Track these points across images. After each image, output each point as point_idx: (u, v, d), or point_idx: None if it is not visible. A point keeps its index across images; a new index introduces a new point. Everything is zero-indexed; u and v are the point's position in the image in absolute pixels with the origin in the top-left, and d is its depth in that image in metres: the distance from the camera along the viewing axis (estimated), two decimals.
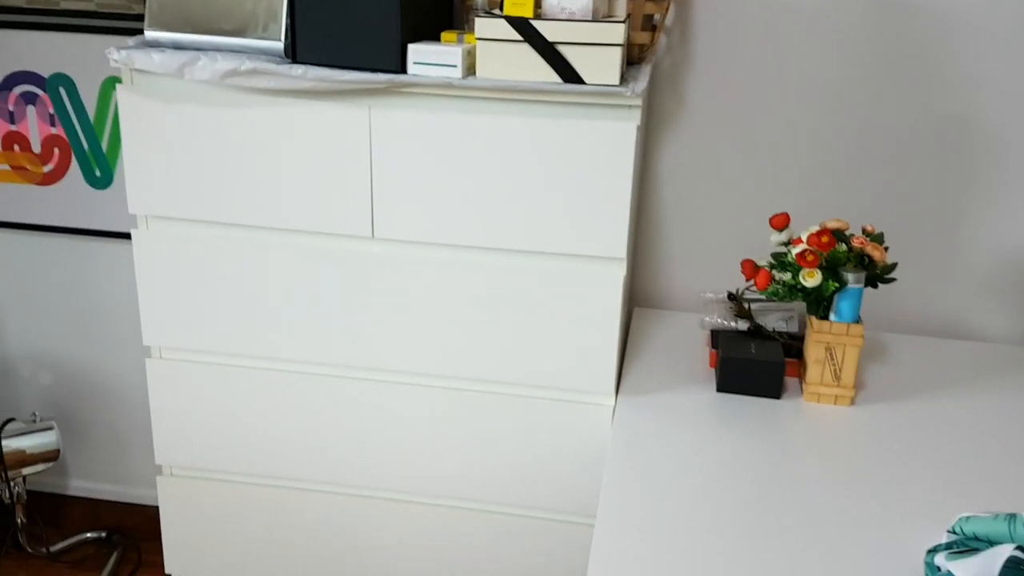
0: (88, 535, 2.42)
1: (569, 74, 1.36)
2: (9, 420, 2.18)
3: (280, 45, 1.43)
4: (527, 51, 1.36)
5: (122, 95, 1.49)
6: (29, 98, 2.08)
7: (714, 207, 1.88)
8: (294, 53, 1.42)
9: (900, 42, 1.72)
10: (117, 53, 1.43)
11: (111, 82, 2.04)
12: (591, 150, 1.40)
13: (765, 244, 1.87)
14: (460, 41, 1.43)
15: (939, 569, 1.07)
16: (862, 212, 1.84)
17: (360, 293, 1.54)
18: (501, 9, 1.44)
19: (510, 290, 1.50)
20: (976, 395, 1.60)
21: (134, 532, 2.43)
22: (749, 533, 1.18)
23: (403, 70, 1.40)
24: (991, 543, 1.05)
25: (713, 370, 1.67)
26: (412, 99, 1.43)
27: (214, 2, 1.44)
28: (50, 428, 2.20)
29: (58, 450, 2.21)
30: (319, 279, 1.54)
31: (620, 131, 1.39)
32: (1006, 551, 0.98)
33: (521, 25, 1.35)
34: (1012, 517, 1.06)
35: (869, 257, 1.52)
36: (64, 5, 1.99)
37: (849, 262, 1.51)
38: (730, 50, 1.77)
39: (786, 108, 1.79)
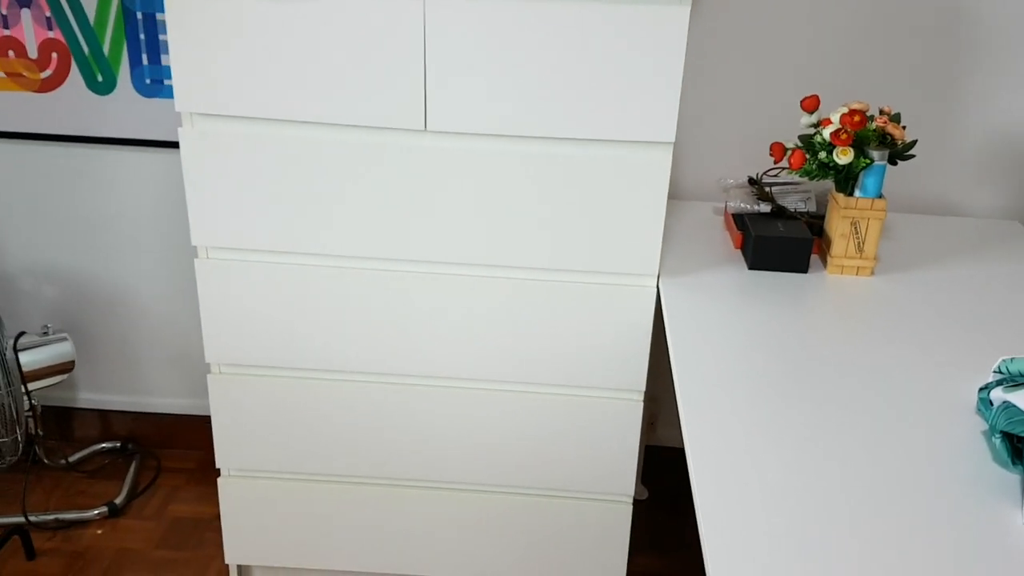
0: (103, 445, 2.44)
1: None
2: (21, 333, 2.16)
3: None
4: None
5: None
6: (23, 0, 2.01)
7: (716, 100, 1.95)
8: None
9: None
10: None
11: None
12: (644, 34, 1.45)
13: (767, 132, 1.96)
14: None
15: (992, 404, 1.20)
16: (864, 96, 1.94)
17: (411, 187, 1.58)
18: None
19: (561, 179, 1.56)
20: (979, 264, 1.75)
21: (146, 441, 2.46)
22: (807, 386, 1.30)
23: None
24: None
25: (738, 251, 1.78)
26: None
27: None
28: (64, 339, 2.20)
29: (73, 361, 2.21)
30: (369, 174, 1.58)
31: (673, 15, 1.44)
32: None
33: None
34: None
35: (891, 136, 1.62)
36: None
37: (874, 141, 1.61)
38: None
39: (796, 2, 1.87)
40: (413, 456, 1.80)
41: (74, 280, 2.29)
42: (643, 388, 1.71)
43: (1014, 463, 1.14)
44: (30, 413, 2.19)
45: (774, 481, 1.09)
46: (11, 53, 2.06)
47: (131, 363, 2.38)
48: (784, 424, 1.20)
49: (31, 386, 2.15)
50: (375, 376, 1.75)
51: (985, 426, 1.23)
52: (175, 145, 2.10)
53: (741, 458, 1.13)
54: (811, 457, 1.14)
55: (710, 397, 1.26)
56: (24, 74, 2.08)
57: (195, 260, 1.67)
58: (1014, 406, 1.14)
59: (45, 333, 2.19)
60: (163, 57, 2.03)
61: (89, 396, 2.42)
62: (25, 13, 2.02)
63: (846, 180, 1.63)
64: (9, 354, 2.09)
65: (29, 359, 2.14)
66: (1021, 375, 1.21)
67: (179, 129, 1.57)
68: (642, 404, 1.73)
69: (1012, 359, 1.23)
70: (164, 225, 2.20)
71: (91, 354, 2.37)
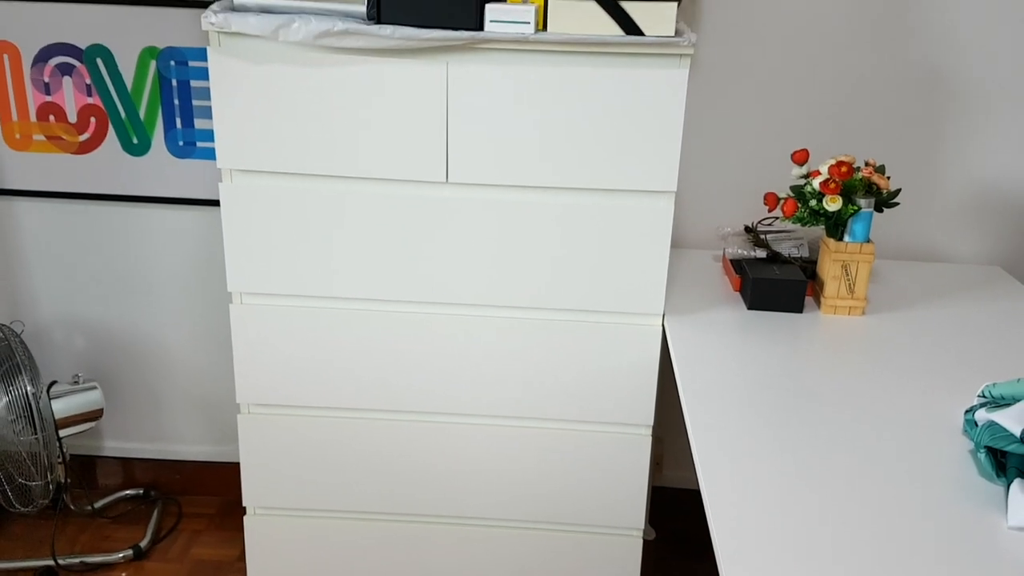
0: (127, 492, 2.52)
1: (631, 27, 1.55)
2: (53, 382, 2.26)
3: (363, 8, 1.58)
4: (593, 8, 1.54)
5: (212, 57, 1.61)
6: (65, 69, 2.16)
7: (713, 153, 2.10)
8: (379, 15, 1.57)
9: (884, 1, 1.97)
10: (214, 17, 1.56)
11: (149, 52, 2.13)
12: (647, 95, 1.60)
13: (759, 184, 2.10)
14: (526, 2, 1.60)
15: (976, 424, 1.31)
16: (850, 151, 2.08)
17: (433, 233, 1.71)
18: None
19: (572, 224, 1.69)
20: (964, 305, 1.87)
21: (169, 488, 2.54)
22: (809, 416, 1.40)
23: (480, 28, 1.56)
24: (1017, 400, 1.30)
25: (737, 293, 1.89)
26: (486, 54, 1.59)
27: None
28: (94, 388, 2.29)
29: (101, 409, 2.30)
30: (394, 223, 1.70)
31: (674, 77, 1.59)
32: None
33: None
34: None
35: (876, 185, 1.76)
36: None
37: (860, 190, 1.74)
38: (733, 6, 1.98)
39: (785, 60, 2.02)
40: (433, 492, 1.89)
41: (104, 331, 2.40)
42: (651, 423, 1.81)
43: (999, 475, 1.24)
44: (60, 460, 2.27)
45: (783, 507, 1.19)
46: (52, 118, 2.20)
47: (155, 411, 2.47)
48: (790, 453, 1.31)
49: (61, 433, 2.24)
50: (398, 414, 1.85)
51: (971, 445, 1.33)
52: (204, 203, 2.23)
53: (749, 484, 1.23)
54: (815, 482, 1.24)
55: (718, 427, 1.36)
56: (63, 137, 2.22)
57: (230, 305, 1.79)
58: (997, 424, 1.25)
59: (76, 382, 2.29)
60: (196, 121, 2.17)
61: (114, 444, 2.51)
62: (67, 81, 2.17)
63: (836, 226, 1.75)
64: (43, 402, 2.18)
65: (60, 407, 2.23)
66: (1003, 398, 1.32)
67: (219, 184, 1.70)
68: (650, 439, 1.83)
69: (995, 384, 1.34)
70: (191, 278, 2.32)
71: (118, 402, 2.46)
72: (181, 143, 2.19)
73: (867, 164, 1.78)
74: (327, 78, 1.62)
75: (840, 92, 2.04)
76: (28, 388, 2.11)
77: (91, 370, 2.43)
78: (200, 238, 2.28)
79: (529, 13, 1.55)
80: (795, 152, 1.79)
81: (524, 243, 1.71)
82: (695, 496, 2.40)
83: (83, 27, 2.11)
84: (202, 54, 2.11)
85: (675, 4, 1.54)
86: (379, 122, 1.64)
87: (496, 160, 1.66)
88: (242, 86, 1.63)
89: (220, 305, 2.34)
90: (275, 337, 1.79)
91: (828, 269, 1.78)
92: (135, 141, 2.21)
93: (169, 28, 2.10)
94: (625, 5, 1.54)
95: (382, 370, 1.81)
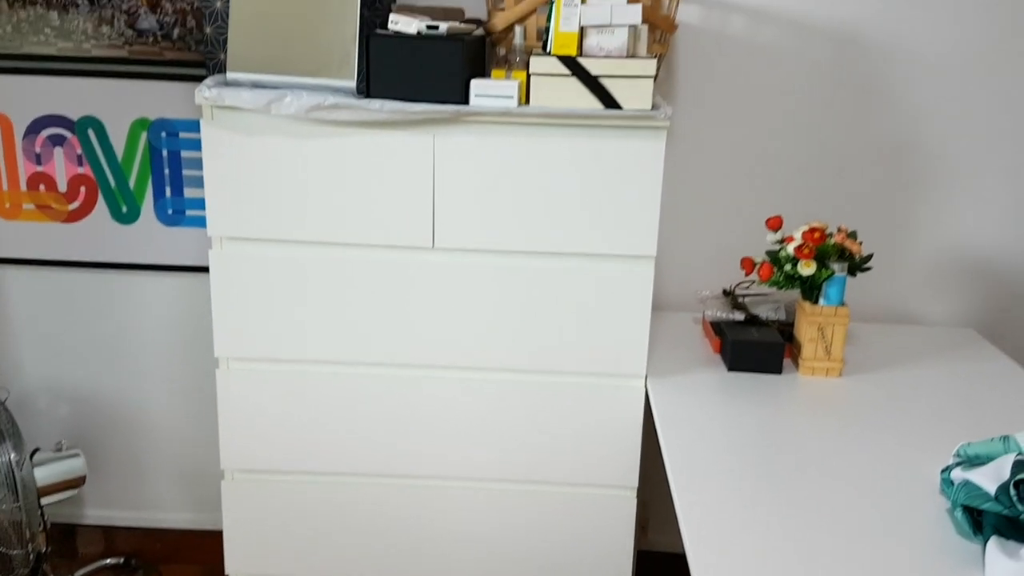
0: (107, 561, 2.49)
1: (609, 101, 1.62)
2: (36, 450, 2.25)
3: (352, 84, 1.64)
4: (574, 83, 1.61)
5: (205, 129, 1.66)
6: (57, 140, 2.20)
7: (691, 220, 2.16)
8: (368, 89, 1.63)
9: (852, 75, 2.06)
10: (208, 91, 1.61)
11: (140, 124, 2.18)
12: (626, 165, 1.66)
13: (736, 248, 2.16)
14: (509, 77, 1.67)
15: (953, 483, 1.34)
16: (825, 217, 2.15)
17: (419, 298, 1.74)
18: (545, 50, 1.68)
19: (556, 288, 1.73)
20: (938, 366, 1.92)
21: (151, 556, 2.51)
22: (785, 475, 1.43)
23: (466, 101, 1.62)
24: (991, 459, 1.33)
25: (718, 355, 1.93)
26: (472, 127, 1.65)
27: (292, 46, 1.63)
28: (76, 455, 2.28)
29: (84, 476, 2.29)
30: (382, 287, 1.74)
31: (651, 148, 1.65)
32: (1011, 457, 1.26)
33: (569, 62, 1.60)
34: (1005, 438, 1.34)
35: (849, 250, 1.82)
36: (96, 52, 2.13)
37: (833, 255, 1.80)
38: (708, 82, 2.07)
39: (758, 130, 2.10)
40: (420, 556, 1.88)
41: (88, 397, 2.40)
42: (636, 484, 1.83)
43: (975, 534, 1.27)
44: (42, 528, 2.25)
45: (767, 570, 1.21)
46: (42, 187, 2.24)
47: (137, 478, 2.46)
48: (773, 515, 1.33)
49: (43, 501, 2.22)
50: (383, 478, 1.86)
51: (948, 504, 1.36)
52: (191, 269, 2.26)
53: (735, 547, 1.25)
54: (798, 543, 1.27)
55: (702, 491, 1.38)
56: (53, 206, 2.25)
57: (216, 370, 1.81)
58: (972, 483, 1.29)
59: (59, 449, 2.28)
60: (186, 190, 2.21)
61: (95, 512, 2.49)
62: (58, 151, 2.21)
63: (811, 290, 1.80)
64: (26, 470, 2.17)
65: (42, 475, 2.22)
66: (978, 457, 1.35)
67: (209, 251, 1.73)
68: (635, 501, 1.84)
69: (969, 444, 1.38)
70: (176, 344, 2.34)
71: (100, 469, 2.45)
72: (170, 211, 2.23)
73: (839, 230, 1.84)
74: (317, 149, 1.67)
75: (812, 160, 2.12)
76: (11, 456, 2.10)
77: (74, 437, 2.43)
78: (186, 305, 2.30)
79: (512, 88, 1.61)
80: (769, 219, 1.85)
81: (509, 307, 1.74)
82: (681, 560, 2.40)
83: (76, 99, 2.16)
84: (192, 125, 2.17)
85: (651, 80, 1.60)
86: (368, 190, 1.69)
87: (481, 226, 1.70)
88: (233, 157, 1.67)
89: (204, 371, 2.35)
90: (261, 402, 1.81)
91: (805, 331, 1.82)
92: (124, 210, 2.24)
93: (160, 100, 2.15)
94: (604, 81, 1.61)
95: (368, 434, 1.82)
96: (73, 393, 2.39)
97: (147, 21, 2.10)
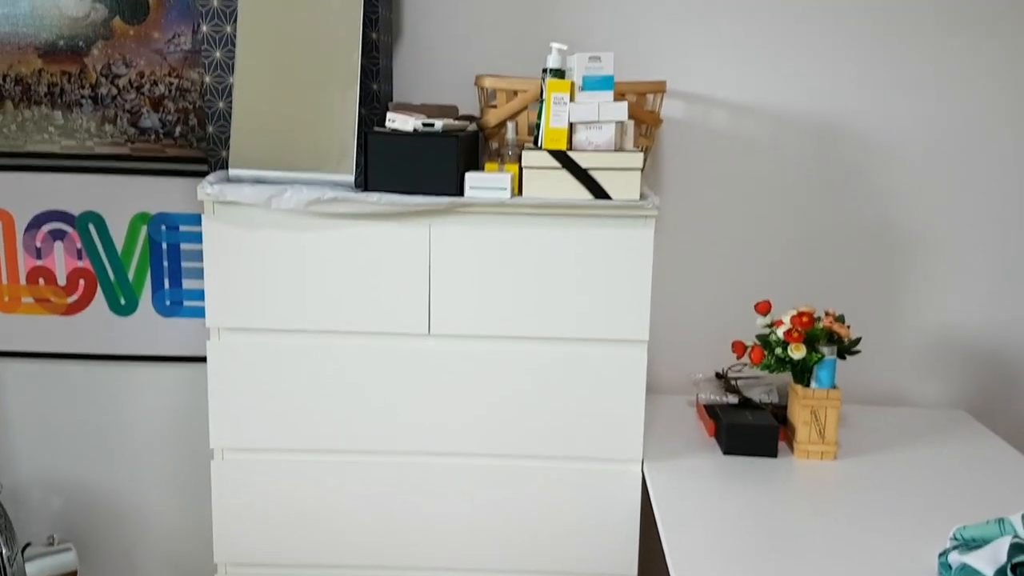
0: None
1: (599, 192, 1.67)
2: (27, 544, 2.22)
3: (351, 178, 1.69)
4: (564, 175, 1.67)
5: (206, 223, 1.70)
6: (57, 235, 2.24)
7: (682, 304, 2.20)
8: (366, 183, 1.68)
9: (833, 162, 2.13)
10: (210, 187, 1.66)
11: (140, 218, 2.23)
12: (617, 252, 1.70)
13: (727, 331, 2.19)
14: (502, 170, 1.73)
15: (951, 567, 1.34)
16: (813, 301, 2.19)
17: (416, 384, 1.76)
18: (536, 144, 1.74)
19: (551, 373, 1.75)
20: (932, 449, 1.93)
21: None
22: (785, 560, 1.43)
23: (461, 193, 1.67)
24: (988, 542, 1.34)
25: (713, 438, 1.94)
26: (466, 217, 1.70)
27: (292, 143, 1.69)
28: (68, 549, 2.26)
29: (75, 571, 2.26)
30: (379, 374, 1.76)
31: (640, 236, 1.70)
32: (1007, 539, 1.26)
33: (560, 156, 1.66)
34: (1001, 520, 1.35)
35: (837, 334, 1.85)
36: (98, 149, 2.19)
37: (822, 338, 1.83)
38: (694, 172, 2.13)
39: (745, 216, 2.16)
40: None
41: (81, 490, 2.38)
42: (635, 572, 1.81)
43: None
44: None
45: None
46: (41, 281, 2.27)
47: (129, 572, 2.42)
48: None
49: None
50: (381, 569, 1.84)
51: None
52: (188, 359, 2.27)
53: None
54: None
55: (700, 573, 1.38)
56: (51, 299, 2.27)
57: (211, 462, 1.80)
58: (970, 566, 1.29)
59: (51, 543, 2.25)
60: (184, 281, 2.24)
61: None
62: (58, 246, 2.25)
63: (802, 373, 1.83)
64: (17, 566, 2.14)
65: (34, 570, 2.19)
66: (975, 540, 1.36)
67: (207, 342, 1.75)
68: None
69: (965, 527, 1.38)
70: (171, 436, 2.33)
71: (92, 563, 2.41)
72: (168, 303, 2.26)
73: (827, 314, 1.88)
74: (315, 240, 1.71)
75: (798, 245, 2.17)
76: (3, 551, 2.07)
77: (67, 530, 2.40)
78: (181, 396, 2.31)
79: (505, 180, 1.66)
80: (758, 303, 1.89)
81: (504, 392, 1.76)
82: None
83: (77, 195, 2.21)
84: (192, 219, 2.21)
85: (638, 172, 1.66)
86: (365, 279, 1.72)
87: (477, 313, 1.73)
88: (233, 250, 1.71)
89: (198, 463, 2.34)
90: (257, 493, 1.80)
91: (798, 415, 1.84)
92: (123, 302, 2.27)
93: (161, 195, 2.20)
94: (593, 173, 1.66)
95: (366, 525, 1.81)
96: (67, 486, 2.37)
97: (150, 120, 2.16)
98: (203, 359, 2.25)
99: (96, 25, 2.12)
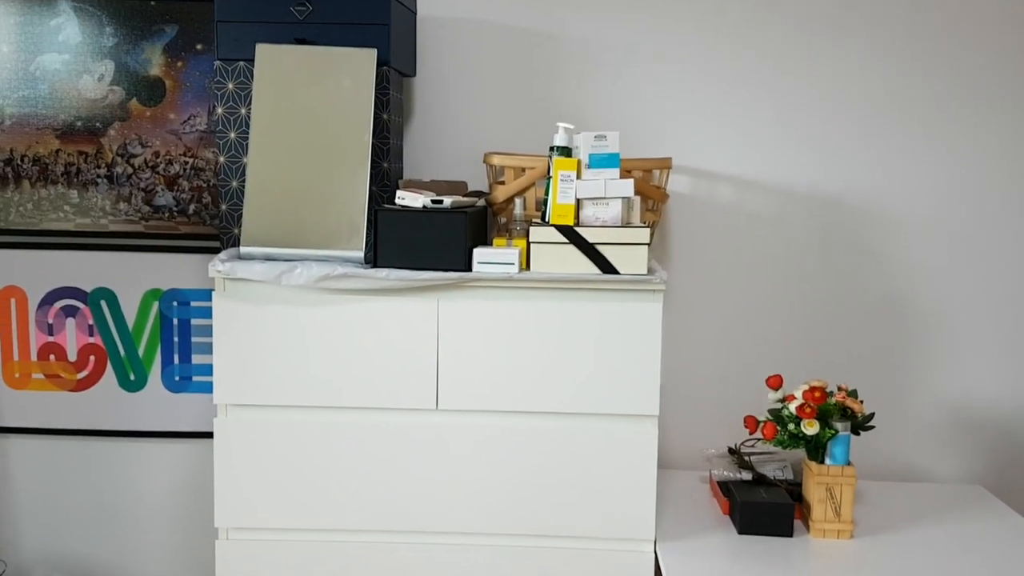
0: None
1: (606, 267, 1.68)
2: None
3: (361, 254, 1.70)
4: (572, 250, 1.68)
5: (217, 301, 1.71)
6: (69, 311, 2.26)
7: (693, 378, 2.18)
8: (375, 259, 1.69)
9: (841, 235, 2.14)
10: (222, 265, 1.67)
11: (152, 294, 2.25)
12: (625, 326, 1.70)
13: (740, 405, 2.17)
14: (510, 244, 1.74)
15: None
16: (824, 374, 2.17)
17: (424, 460, 1.74)
18: (543, 220, 1.76)
19: (560, 448, 1.73)
20: (950, 526, 1.89)
21: None
22: None
23: (469, 268, 1.68)
24: None
25: (727, 516, 1.91)
26: (475, 291, 1.71)
27: (303, 221, 1.71)
28: None
29: None
30: (387, 450, 1.74)
31: (649, 310, 1.70)
32: None
33: (568, 231, 1.67)
34: None
35: (851, 409, 1.83)
36: (112, 227, 2.22)
37: (836, 414, 1.81)
38: (702, 245, 2.14)
39: (754, 289, 2.16)
40: None
41: (85, 568, 2.34)
42: None
43: None
44: None
45: None
46: (52, 357, 2.27)
47: None
48: None
49: None
50: None
51: None
52: (195, 435, 2.26)
53: None
54: None
55: None
56: (62, 375, 2.28)
57: (216, 541, 1.78)
58: None
59: None
60: (194, 356, 2.24)
61: None
62: (70, 322, 2.26)
63: (816, 449, 1.80)
64: None
65: None
66: None
67: (214, 419, 1.75)
68: None
69: None
70: (178, 512, 2.30)
71: None
72: (177, 378, 2.26)
73: (840, 389, 1.86)
74: (325, 316, 1.71)
75: (809, 318, 2.16)
76: None
77: None
78: (189, 472, 2.29)
79: (513, 255, 1.68)
80: (769, 378, 1.88)
81: (513, 468, 1.74)
82: None
83: (90, 272, 2.23)
84: (203, 294, 2.23)
85: (646, 247, 1.67)
86: (374, 355, 1.72)
87: (485, 388, 1.72)
88: (243, 326, 1.72)
89: (204, 540, 2.31)
90: (262, 574, 1.77)
91: (813, 492, 1.81)
92: (132, 377, 2.27)
93: (173, 271, 2.22)
94: (601, 248, 1.67)
95: None
96: (71, 564, 2.34)
97: (164, 198, 2.20)
98: (211, 435, 2.24)
99: (114, 107, 2.17)
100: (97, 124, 2.18)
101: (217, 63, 1.86)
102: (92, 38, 2.15)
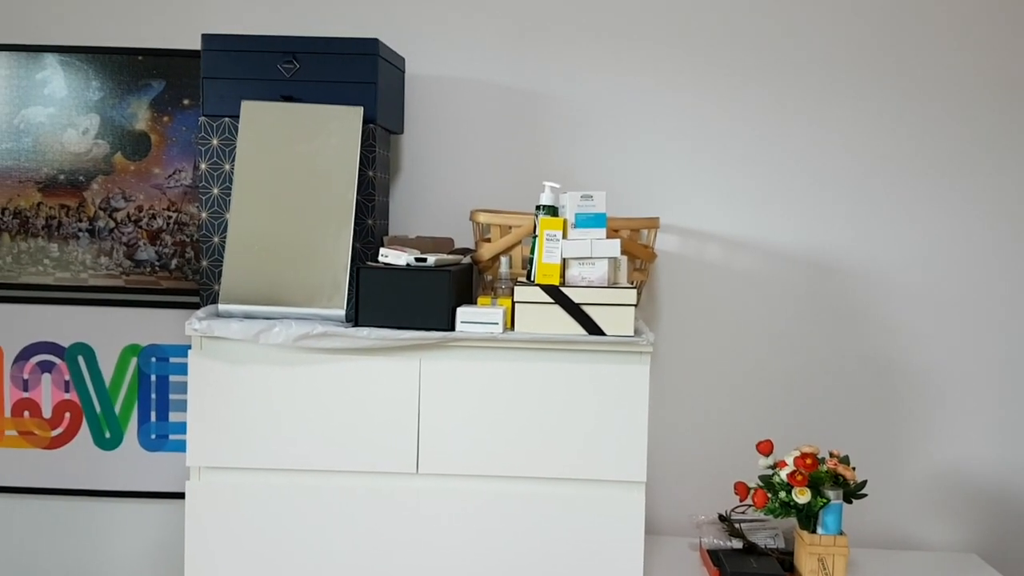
0: None
1: (592, 328, 1.65)
2: None
3: (342, 312, 1.67)
4: (557, 311, 1.65)
5: (193, 359, 1.67)
6: (46, 367, 2.21)
7: (681, 442, 2.14)
8: (357, 318, 1.66)
9: (831, 297, 2.11)
10: (199, 323, 1.64)
11: (131, 350, 2.20)
12: (612, 388, 1.66)
13: (730, 470, 2.12)
14: (494, 304, 1.71)
15: None
16: (815, 438, 2.13)
17: (402, 525, 1.68)
18: (529, 278, 1.73)
19: (543, 515, 1.68)
20: None
21: None
22: None
23: (452, 328, 1.65)
24: None
25: None
26: (457, 351, 1.67)
27: (284, 278, 1.68)
28: None
29: None
30: (365, 515, 1.68)
31: (636, 373, 1.66)
32: None
33: (553, 291, 1.65)
34: None
35: (843, 476, 1.78)
36: (92, 281, 2.19)
37: (827, 481, 1.77)
38: (690, 306, 2.12)
39: (743, 354, 2.12)
40: None
41: None
42: None
43: None
44: None
45: None
46: (27, 413, 2.22)
47: None
48: None
49: None
50: None
51: None
52: (171, 495, 2.20)
53: None
54: None
55: None
56: (35, 432, 2.22)
57: None
58: None
59: None
60: (171, 414, 2.19)
61: None
62: (46, 378, 2.21)
63: (807, 518, 1.76)
64: None
65: None
66: None
67: (187, 483, 1.69)
68: None
69: None
70: (149, 575, 2.23)
71: None
72: (153, 436, 2.20)
73: (831, 455, 1.82)
74: (303, 376, 1.67)
75: (798, 381, 2.13)
76: None
77: None
78: (164, 533, 2.22)
79: (497, 315, 1.64)
80: (759, 443, 1.84)
81: (495, 535, 1.68)
82: None
83: (68, 327, 2.19)
84: (183, 350, 2.18)
85: (632, 308, 1.64)
86: (353, 416, 1.68)
87: (466, 451, 1.68)
88: (219, 386, 1.67)
89: None
90: None
91: (805, 563, 1.76)
92: (107, 435, 2.21)
93: (153, 327, 2.18)
94: (587, 308, 1.64)
95: None
96: None
97: (146, 252, 2.17)
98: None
99: (98, 160, 2.15)
100: (80, 177, 2.16)
101: (202, 119, 1.84)
102: (78, 91, 2.14)
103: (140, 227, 2.17)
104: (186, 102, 2.14)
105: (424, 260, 1.67)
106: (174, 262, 2.17)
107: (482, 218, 1.84)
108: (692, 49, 2.10)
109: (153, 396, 2.20)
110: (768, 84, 2.10)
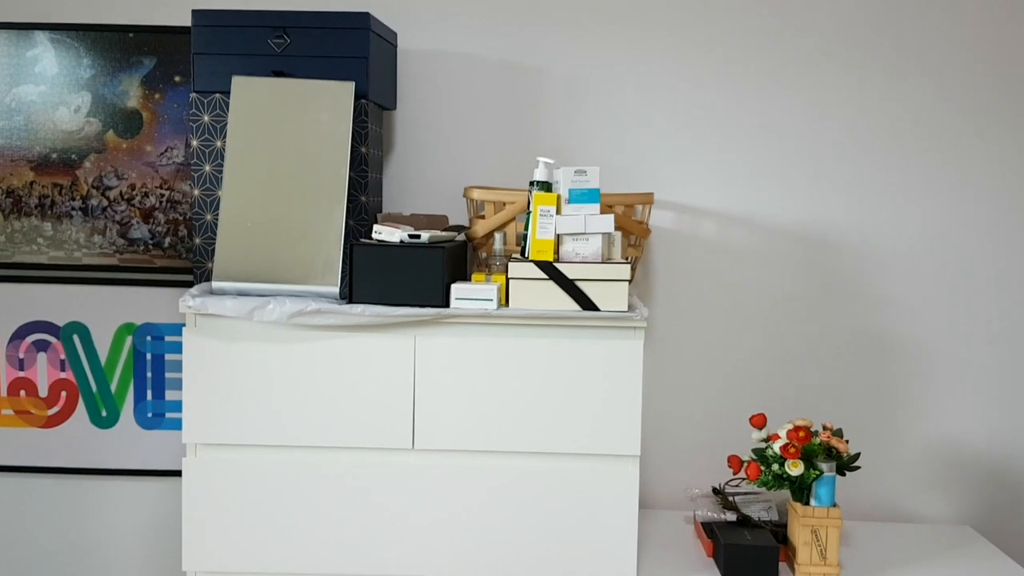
0: None
1: (587, 303, 1.65)
2: None
3: (336, 290, 1.67)
4: (551, 287, 1.65)
5: (187, 336, 1.67)
6: (41, 345, 2.21)
7: (675, 415, 2.15)
8: (351, 295, 1.66)
9: (825, 271, 2.11)
10: (192, 300, 1.63)
11: (126, 328, 2.20)
12: (606, 364, 1.66)
13: (724, 443, 2.13)
14: (488, 280, 1.71)
15: None
16: (809, 412, 2.14)
17: (398, 501, 1.69)
18: (523, 255, 1.73)
19: (538, 489, 1.69)
20: (938, 569, 1.85)
21: None
22: None
23: (447, 304, 1.65)
24: None
25: (711, 559, 1.86)
26: (452, 328, 1.67)
27: (277, 255, 1.68)
28: None
29: None
30: (361, 491, 1.69)
31: (629, 347, 1.66)
32: None
33: (547, 267, 1.65)
34: None
35: (836, 449, 1.79)
36: (86, 260, 2.18)
37: (820, 454, 1.78)
38: (685, 281, 2.12)
39: (737, 328, 2.13)
40: None
41: None
42: None
43: None
44: None
45: None
46: (23, 392, 2.22)
47: None
48: None
49: None
50: None
51: None
52: (167, 473, 2.21)
53: None
54: None
55: None
56: (32, 411, 2.22)
57: None
58: None
59: None
60: (167, 392, 2.20)
61: None
62: (41, 356, 2.21)
63: (801, 490, 1.77)
64: None
65: None
66: None
67: (183, 459, 1.70)
68: None
69: None
70: (148, 552, 2.24)
71: None
72: (150, 415, 2.21)
73: (825, 428, 1.83)
74: (297, 353, 1.67)
75: (793, 355, 2.13)
76: None
77: None
78: (161, 510, 2.23)
79: (492, 291, 1.64)
80: (753, 416, 1.84)
81: (490, 510, 1.69)
82: None
83: (63, 306, 2.19)
84: (178, 329, 2.18)
85: (626, 283, 1.64)
86: (348, 393, 1.68)
87: (462, 427, 1.68)
88: (214, 363, 1.68)
89: None
90: None
91: (798, 534, 1.77)
92: (104, 414, 2.22)
93: (148, 305, 2.18)
94: (580, 284, 1.64)
95: None
96: None
97: (139, 231, 2.16)
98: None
99: (90, 138, 2.14)
100: (73, 156, 2.15)
101: (193, 95, 1.83)
102: (69, 69, 2.12)
103: (133, 205, 2.16)
104: (177, 79, 2.13)
105: (418, 237, 1.66)
106: (167, 240, 2.17)
107: (476, 195, 1.84)
108: (686, 24, 2.08)
109: (149, 374, 2.20)
110: (763, 59, 2.09)
